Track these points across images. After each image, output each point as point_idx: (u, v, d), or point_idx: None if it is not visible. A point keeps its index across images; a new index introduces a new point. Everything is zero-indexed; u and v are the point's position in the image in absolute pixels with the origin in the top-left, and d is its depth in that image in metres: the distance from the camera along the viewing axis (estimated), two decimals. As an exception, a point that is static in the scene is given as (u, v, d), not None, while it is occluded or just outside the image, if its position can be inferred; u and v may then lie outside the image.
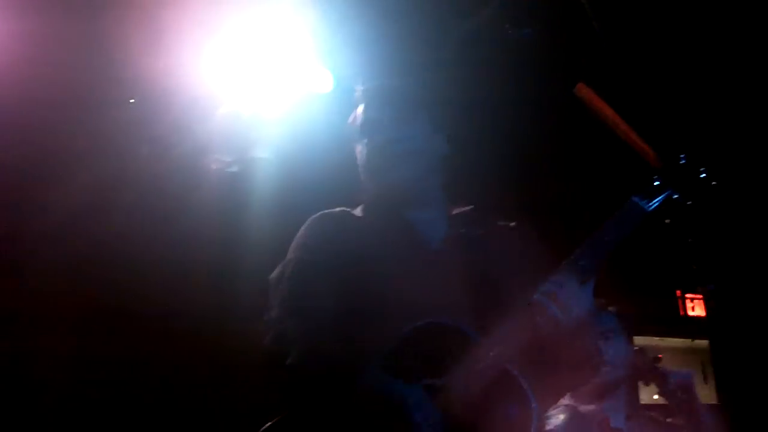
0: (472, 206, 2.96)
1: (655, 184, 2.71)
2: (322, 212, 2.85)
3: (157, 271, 5.27)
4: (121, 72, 4.81)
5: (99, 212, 5.14)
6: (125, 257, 5.25)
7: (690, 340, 7.34)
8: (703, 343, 7.30)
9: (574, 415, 3.82)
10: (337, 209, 2.88)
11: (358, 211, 2.90)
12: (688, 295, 7.33)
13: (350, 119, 2.99)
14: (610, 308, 3.92)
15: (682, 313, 7.40)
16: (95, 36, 4.56)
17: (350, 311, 2.54)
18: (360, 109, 2.95)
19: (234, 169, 5.34)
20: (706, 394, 6.87)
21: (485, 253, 2.77)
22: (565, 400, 3.87)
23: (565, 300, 2.44)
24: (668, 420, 3.93)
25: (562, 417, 3.81)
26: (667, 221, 2.65)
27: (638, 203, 2.62)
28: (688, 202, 2.65)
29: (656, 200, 2.67)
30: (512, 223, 2.95)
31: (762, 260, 6.94)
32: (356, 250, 2.69)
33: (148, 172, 5.23)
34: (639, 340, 5.91)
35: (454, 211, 2.92)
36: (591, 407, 3.89)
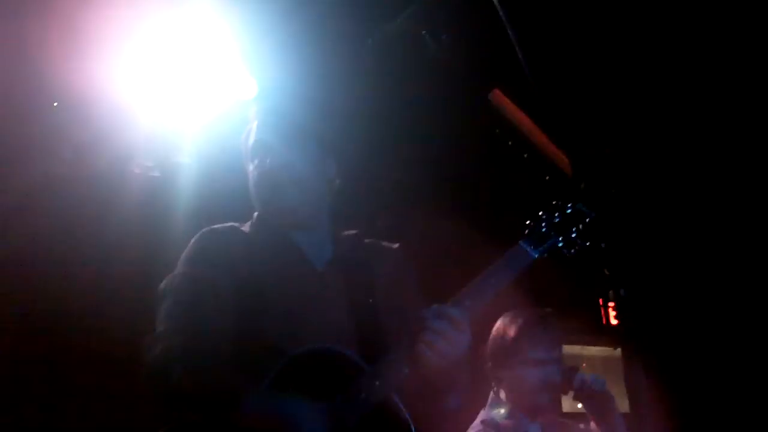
0: (356, 231, 3.01)
1: (542, 230, 2.75)
2: (211, 227, 2.87)
3: (78, 274, 5.23)
4: (42, 77, 4.76)
5: (22, 215, 5.09)
6: (48, 260, 5.19)
7: (612, 348, 7.38)
8: (626, 352, 7.30)
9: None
10: (227, 224, 2.91)
11: (246, 227, 2.92)
12: (610, 304, 7.35)
13: (243, 135, 3.02)
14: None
15: (603, 321, 7.42)
16: (14, 40, 4.51)
17: (238, 330, 2.57)
18: (253, 127, 2.97)
19: (156, 173, 5.32)
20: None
21: (369, 276, 2.82)
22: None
23: (451, 335, 2.43)
24: (581, 426, 3.92)
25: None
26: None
27: (525, 248, 2.69)
28: (593, 216, 2.70)
29: (542, 247, 2.73)
30: (395, 245, 3.02)
31: (674, 265, 7.03)
32: (244, 268, 2.71)
33: (72, 176, 5.19)
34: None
35: (342, 233, 2.98)
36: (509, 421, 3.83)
